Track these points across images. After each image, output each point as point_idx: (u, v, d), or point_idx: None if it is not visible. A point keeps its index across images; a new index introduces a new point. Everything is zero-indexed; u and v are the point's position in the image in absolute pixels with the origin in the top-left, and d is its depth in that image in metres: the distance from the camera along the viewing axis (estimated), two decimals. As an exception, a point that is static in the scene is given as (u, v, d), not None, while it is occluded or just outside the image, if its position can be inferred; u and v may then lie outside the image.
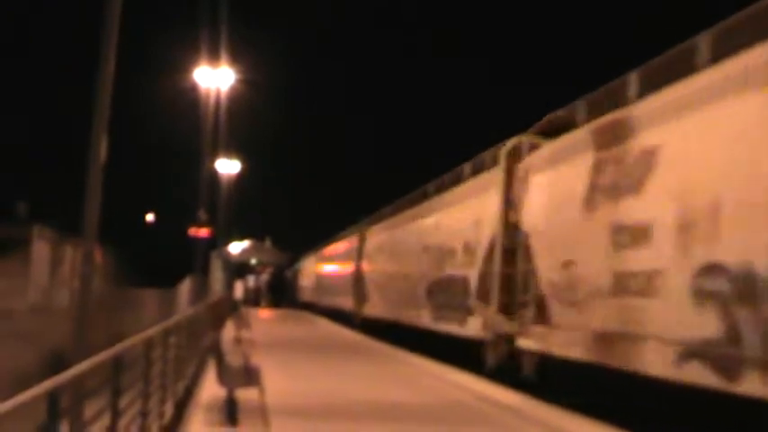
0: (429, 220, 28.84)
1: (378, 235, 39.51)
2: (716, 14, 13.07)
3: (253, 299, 76.42)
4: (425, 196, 30.93)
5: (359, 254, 43.87)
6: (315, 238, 73.47)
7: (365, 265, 42.05)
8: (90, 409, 7.21)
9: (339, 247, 55.10)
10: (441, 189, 28.60)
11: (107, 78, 10.90)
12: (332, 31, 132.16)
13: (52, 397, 5.08)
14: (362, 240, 43.44)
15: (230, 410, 12.52)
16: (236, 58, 37.93)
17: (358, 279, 43.06)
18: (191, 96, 35.68)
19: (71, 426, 7.19)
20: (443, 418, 14.08)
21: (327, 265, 60.50)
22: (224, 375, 13.01)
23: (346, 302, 46.21)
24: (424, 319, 27.55)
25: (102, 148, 10.69)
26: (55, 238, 41.84)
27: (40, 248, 39.82)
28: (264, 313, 62.00)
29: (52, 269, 41.70)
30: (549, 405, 15.39)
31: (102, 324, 18.35)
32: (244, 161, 60.59)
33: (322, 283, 63.49)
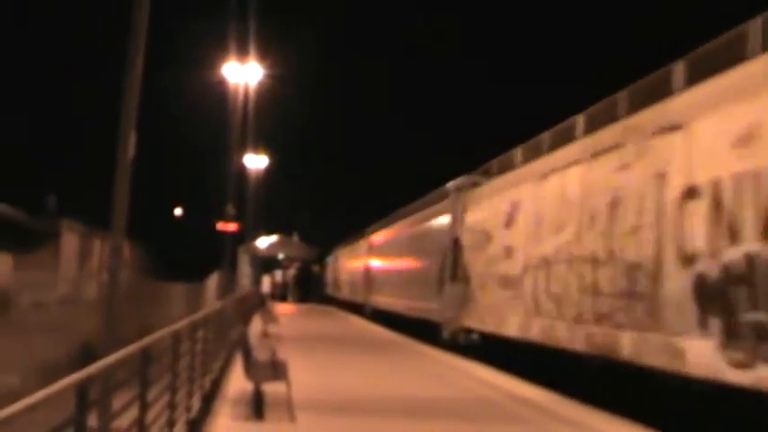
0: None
1: (503, 194, 23.61)
2: (715, 13, 13.02)
3: (280, 293, 76.61)
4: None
5: (454, 232, 28.67)
6: (343, 232, 73.24)
7: (469, 249, 26.77)
8: (118, 402, 7.26)
9: (407, 227, 39.69)
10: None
11: (135, 73, 10.95)
12: (359, 27, 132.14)
13: (82, 388, 5.12)
14: (461, 210, 28.31)
15: (257, 404, 12.57)
16: (264, 54, 37.98)
17: (453, 271, 28.00)
18: (220, 91, 35.79)
19: (100, 417, 7.25)
20: (472, 416, 14.05)
21: (386, 255, 45.64)
22: (251, 369, 13.05)
23: (427, 307, 31.27)
24: (698, 358, 12.35)
25: (130, 143, 10.74)
26: (84, 232, 42.11)
27: (69, 241, 40.07)
28: (292, 308, 62.18)
29: (81, 262, 41.98)
30: (578, 403, 15.33)
31: (131, 317, 18.44)
32: (272, 156, 60.76)
33: (377, 279, 48.36)
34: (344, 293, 65.05)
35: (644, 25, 77.92)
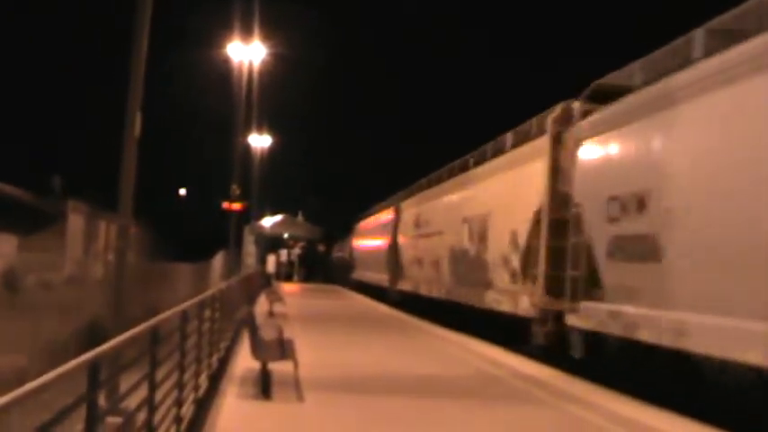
0: None
1: None
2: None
3: (285, 273, 76.63)
4: None
5: None
6: (349, 212, 72.77)
7: None
8: (126, 382, 7.30)
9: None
10: None
11: (140, 52, 10.93)
12: (365, 6, 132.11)
13: (93, 368, 5.15)
14: None
15: (264, 383, 12.61)
16: (269, 32, 37.94)
17: None
18: (225, 71, 35.80)
19: (109, 397, 7.30)
20: (478, 393, 14.08)
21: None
22: (258, 348, 13.08)
23: None
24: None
25: (136, 124, 10.73)
26: (89, 212, 42.20)
27: (75, 222, 40.15)
28: (297, 287, 62.20)
29: (87, 243, 42.08)
30: (584, 381, 15.36)
31: (137, 297, 18.50)
32: (277, 137, 60.82)
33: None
34: (420, 283, 34.89)
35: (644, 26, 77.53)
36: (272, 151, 62.72)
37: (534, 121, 21.45)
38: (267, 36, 37.51)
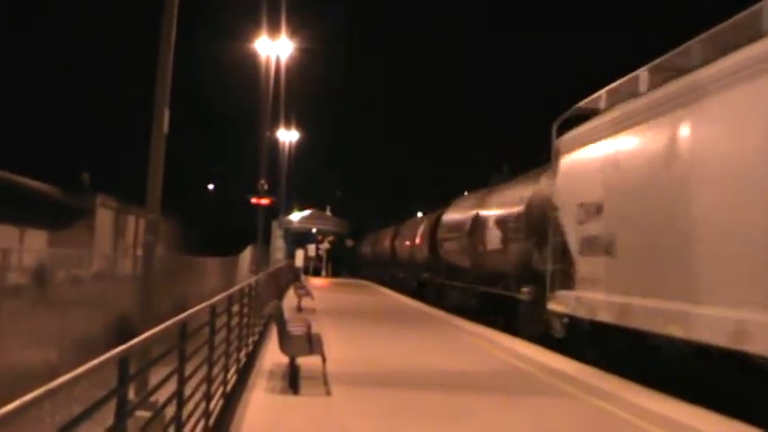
0: None
1: None
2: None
3: (314, 268, 76.70)
4: None
5: None
6: (379, 208, 72.76)
7: None
8: (155, 376, 7.33)
9: None
10: None
11: (168, 49, 10.97)
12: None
13: (122, 363, 5.18)
14: None
15: (292, 378, 12.64)
16: (297, 27, 37.94)
17: None
18: (254, 66, 35.82)
19: (138, 391, 7.34)
20: (508, 388, 14.03)
21: None
22: (286, 343, 13.12)
23: None
24: None
25: (164, 120, 10.77)
26: (117, 208, 42.45)
27: (104, 218, 40.40)
28: (326, 282, 62.27)
29: (115, 237, 42.34)
30: (612, 376, 15.29)
31: (166, 292, 18.60)
32: (304, 130, 60.97)
33: None
34: None
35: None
36: (300, 146, 62.93)
37: None
38: (295, 31, 37.56)
